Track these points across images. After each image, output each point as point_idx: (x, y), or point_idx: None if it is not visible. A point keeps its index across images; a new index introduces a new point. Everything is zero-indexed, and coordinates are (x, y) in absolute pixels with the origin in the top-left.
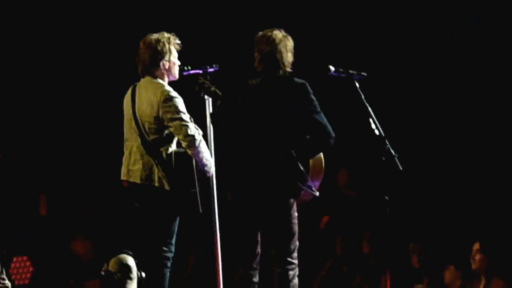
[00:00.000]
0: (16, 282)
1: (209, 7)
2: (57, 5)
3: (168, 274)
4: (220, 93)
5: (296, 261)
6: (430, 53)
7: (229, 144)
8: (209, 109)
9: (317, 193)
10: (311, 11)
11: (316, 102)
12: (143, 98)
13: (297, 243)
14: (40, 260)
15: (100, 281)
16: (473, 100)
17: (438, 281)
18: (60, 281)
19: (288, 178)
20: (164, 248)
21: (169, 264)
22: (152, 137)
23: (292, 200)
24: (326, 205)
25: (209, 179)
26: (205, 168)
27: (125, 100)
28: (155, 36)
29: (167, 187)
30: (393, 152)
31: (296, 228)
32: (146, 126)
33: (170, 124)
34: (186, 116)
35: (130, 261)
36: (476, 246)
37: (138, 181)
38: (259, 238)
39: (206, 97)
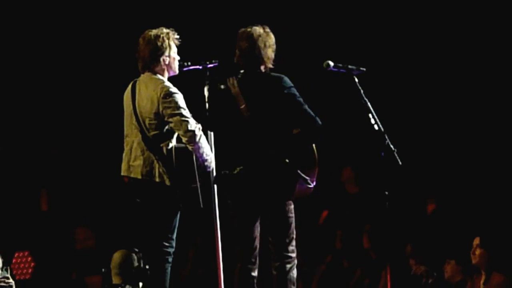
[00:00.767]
0: (18, 277)
1: (208, 2)
2: (58, 2)
3: (169, 269)
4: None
5: (293, 254)
6: (429, 47)
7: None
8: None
9: (313, 184)
10: (311, 7)
11: (297, 95)
12: (143, 94)
13: (293, 236)
14: (41, 255)
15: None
16: (471, 94)
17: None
18: (62, 276)
19: (278, 180)
20: (165, 244)
21: (170, 259)
22: (152, 132)
23: (285, 199)
24: (325, 200)
25: (209, 174)
26: (206, 163)
27: (125, 96)
28: (154, 31)
29: (167, 182)
30: (392, 147)
31: (290, 221)
32: (147, 122)
33: (170, 119)
34: (186, 112)
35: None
36: (476, 240)
37: (139, 176)
38: (257, 234)
39: (206, 93)
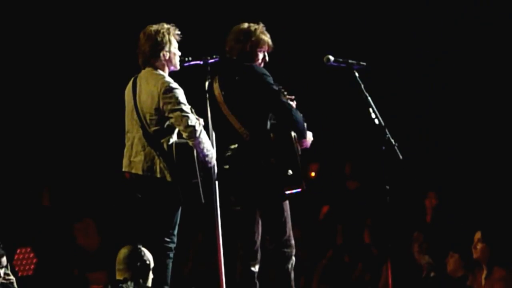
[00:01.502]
0: (20, 274)
1: None
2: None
3: (170, 264)
4: None
5: (289, 249)
6: (429, 41)
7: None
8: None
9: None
10: (311, 2)
11: (269, 82)
12: (144, 90)
13: (288, 231)
14: (43, 251)
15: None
16: (472, 88)
17: (440, 269)
18: (64, 272)
19: (263, 180)
20: (167, 239)
21: (171, 254)
22: (153, 128)
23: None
24: (326, 195)
25: (210, 169)
26: (206, 159)
27: (126, 92)
28: (155, 27)
29: (168, 178)
30: (393, 141)
31: (283, 218)
32: (147, 117)
33: (170, 115)
34: (186, 107)
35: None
36: (478, 235)
37: (140, 172)
38: (257, 229)
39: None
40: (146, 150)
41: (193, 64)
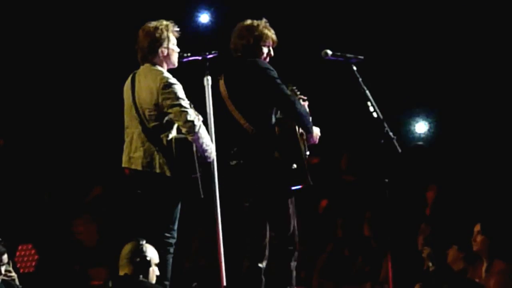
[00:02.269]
0: (22, 270)
1: None
2: None
3: (170, 259)
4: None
5: (292, 246)
6: (426, 34)
7: None
8: (209, 96)
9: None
10: None
11: (273, 76)
12: (143, 86)
13: (292, 228)
14: (45, 247)
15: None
16: (471, 80)
17: (441, 261)
18: (65, 268)
19: (268, 175)
20: (167, 234)
21: (171, 250)
22: (152, 124)
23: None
24: (324, 189)
25: (210, 164)
26: (206, 154)
27: (125, 88)
28: (153, 23)
29: (168, 173)
30: (391, 134)
31: (288, 213)
32: (146, 113)
33: (169, 110)
34: (185, 102)
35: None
36: (477, 227)
37: (139, 168)
38: (267, 225)
39: (206, 83)
40: (146, 146)
41: (191, 60)
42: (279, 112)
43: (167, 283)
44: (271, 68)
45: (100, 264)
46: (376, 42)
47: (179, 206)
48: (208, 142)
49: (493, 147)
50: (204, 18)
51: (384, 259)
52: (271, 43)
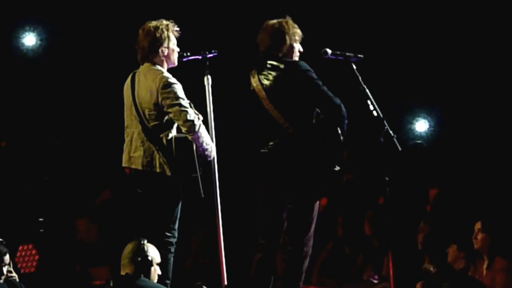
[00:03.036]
0: (22, 271)
1: None
2: None
3: (171, 259)
4: None
5: (306, 248)
6: (427, 33)
7: None
8: (209, 95)
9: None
10: None
11: (314, 77)
12: (143, 85)
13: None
14: (45, 248)
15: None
16: (471, 79)
17: (441, 260)
18: (66, 268)
19: (307, 176)
20: (167, 234)
21: (172, 249)
22: (152, 123)
23: (313, 198)
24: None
25: (210, 163)
26: (206, 153)
27: (125, 88)
28: (154, 23)
29: (168, 172)
30: (391, 132)
31: (312, 216)
32: (146, 112)
33: (169, 110)
34: (185, 102)
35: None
36: (478, 225)
37: (139, 167)
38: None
39: (206, 83)
40: (146, 145)
41: (191, 59)
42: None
43: (168, 282)
44: (311, 69)
45: (102, 263)
46: (375, 40)
47: (180, 206)
48: (208, 141)
49: (493, 145)
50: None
51: (385, 258)
52: (300, 39)
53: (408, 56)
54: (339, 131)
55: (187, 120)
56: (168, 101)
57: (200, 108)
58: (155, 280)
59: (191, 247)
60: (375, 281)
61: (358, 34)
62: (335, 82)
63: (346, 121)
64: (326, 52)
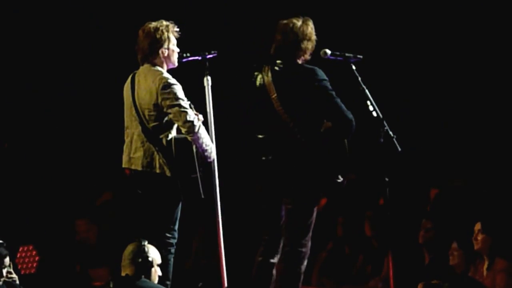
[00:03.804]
0: (23, 272)
1: None
2: None
3: (172, 260)
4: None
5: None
6: (426, 33)
7: None
8: (209, 96)
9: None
10: None
11: (330, 88)
12: (143, 86)
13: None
14: (45, 248)
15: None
16: (471, 79)
17: (442, 259)
18: (66, 269)
19: (309, 177)
20: (167, 235)
21: (172, 250)
22: (152, 124)
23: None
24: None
25: (210, 164)
26: (206, 154)
27: (124, 88)
28: (153, 24)
29: (168, 173)
30: (391, 133)
31: (311, 219)
32: (146, 113)
33: (169, 110)
34: (184, 103)
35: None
36: (478, 226)
37: (139, 168)
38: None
39: (206, 83)
40: (145, 146)
41: (191, 60)
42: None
43: (168, 283)
44: (327, 78)
45: (102, 264)
46: (375, 41)
47: (180, 206)
48: (208, 142)
49: (493, 146)
50: None
51: (386, 258)
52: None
53: (408, 56)
54: (346, 144)
55: (186, 121)
56: (167, 102)
57: (200, 109)
58: (156, 281)
59: (191, 248)
60: None
61: (357, 34)
62: (334, 83)
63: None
64: (326, 53)
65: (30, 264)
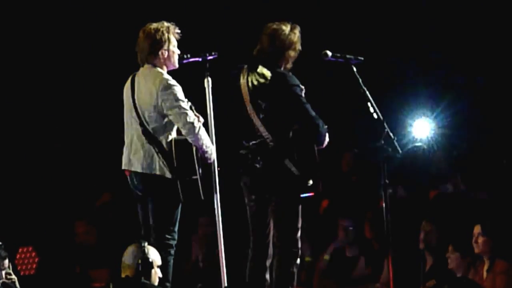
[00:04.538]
0: (22, 273)
1: None
2: None
3: (171, 261)
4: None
5: (295, 249)
6: (425, 35)
7: None
8: (209, 97)
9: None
10: None
11: (300, 94)
12: (143, 87)
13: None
14: (45, 250)
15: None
16: (470, 81)
17: (442, 262)
18: (66, 270)
19: (280, 180)
20: (167, 236)
21: (172, 251)
22: (152, 125)
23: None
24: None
25: (210, 165)
26: (206, 155)
27: (125, 90)
28: (154, 25)
29: (168, 175)
30: (392, 135)
31: (296, 219)
32: (146, 114)
33: (169, 112)
34: (184, 104)
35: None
36: (477, 229)
37: (139, 169)
38: (271, 225)
39: (206, 85)
40: (145, 148)
41: (191, 61)
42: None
43: (168, 284)
44: (299, 84)
45: (102, 266)
46: (376, 43)
47: (180, 208)
48: (208, 144)
49: (491, 147)
50: None
51: (386, 260)
52: (299, 45)
53: (408, 58)
54: (315, 149)
55: (186, 122)
56: (168, 103)
57: (200, 110)
58: (156, 283)
59: (191, 250)
60: None
61: (358, 36)
62: (335, 84)
63: (325, 136)
64: (327, 54)
65: (29, 265)
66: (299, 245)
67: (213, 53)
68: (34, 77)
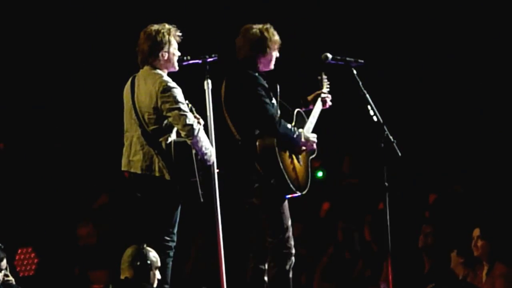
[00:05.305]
0: (21, 274)
1: None
2: None
3: (170, 263)
4: None
5: (287, 250)
6: (427, 39)
7: None
8: (209, 99)
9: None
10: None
11: (262, 94)
12: (142, 89)
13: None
14: (44, 251)
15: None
16: (471, 84)
17: (441, 265)
18: (65, 271)
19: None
20: (166, 238)
21: (171, 253)
22: (151, 127)
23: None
24: (326, 192)
25: (210, 167)
26: (205, 157)
27: (125, 91)
28: (155, 27)
29: (167, 176)
30: (391, 138)
31: (280, 218)
32: (146, 116)
33: (168, 114)
34: (184, 106)
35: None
36: (476, 232)
37: (138, 171)
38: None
39: (206, 87)
40: (145, 149)
41: (191, 63)
42: None
43: (167, 286)
44: (263, 85)
45: (101, 267)
46: (376, 45)
47: (179, 210)
48: (207, 146)
49: (492, 151)
50: None
51: (385, 263)
52: (278, 47)
53: (409, 61)
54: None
55: (186, 124)
56: (167, 105)
57: (200, 112)
58: (155, 285)
59: (190, 252)
60: None
61: (359, 39)
62: (335, 87)
63: (289, 135)
64: (327, 57)
65: (29, 266)
66: (291, 244)
67: (213, 55)
68: (34, 78)
